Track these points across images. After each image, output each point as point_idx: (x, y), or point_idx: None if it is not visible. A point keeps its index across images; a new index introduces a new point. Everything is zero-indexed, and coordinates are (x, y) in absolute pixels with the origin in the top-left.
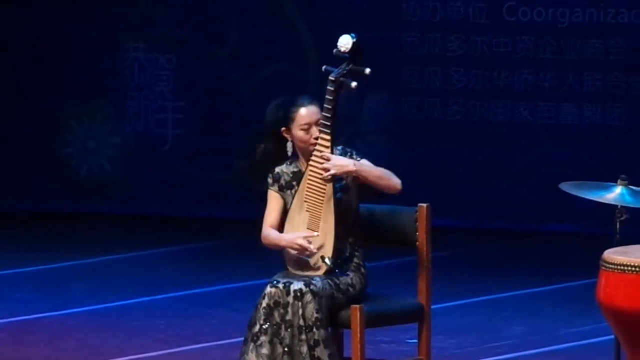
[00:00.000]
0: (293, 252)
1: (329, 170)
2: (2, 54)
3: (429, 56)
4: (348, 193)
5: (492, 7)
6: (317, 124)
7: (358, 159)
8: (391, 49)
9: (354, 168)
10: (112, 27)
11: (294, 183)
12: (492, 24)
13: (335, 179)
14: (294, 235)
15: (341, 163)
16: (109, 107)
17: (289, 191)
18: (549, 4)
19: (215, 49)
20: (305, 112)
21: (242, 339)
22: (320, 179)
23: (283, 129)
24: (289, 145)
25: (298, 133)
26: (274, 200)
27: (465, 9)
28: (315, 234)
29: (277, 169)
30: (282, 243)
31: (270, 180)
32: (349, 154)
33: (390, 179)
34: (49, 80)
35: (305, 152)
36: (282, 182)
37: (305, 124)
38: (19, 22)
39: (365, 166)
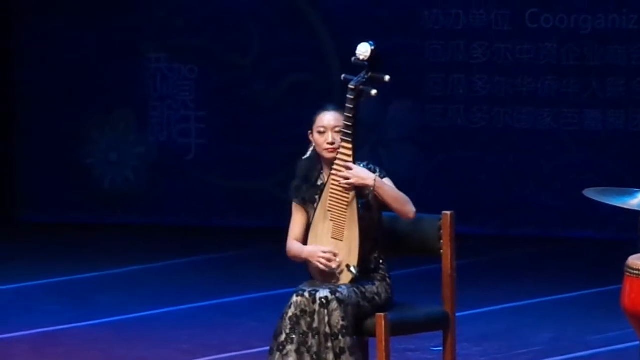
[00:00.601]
0: (316, 263)
1: (348, 179)
2: (24, 65)
3: (452, 64)
4: (370, 210)
5: (515, 14)
6: (334, 130)
7: (381, 176)
8: (414, 57)
9: (372, 183)
10: (134, 37)
11: (316, 196)
12: (515, 31)
13: (357, 195)
14: (316, 248)
15: (362, 175)
16: (132, 117)
17: (311, 205)
18: (572, 10)
19: (237, 58)
20: (324, 116)
21: (267, 348)
22: (342, 187)
23: (309, 132)
24: (310, 149)
25: (315, 136)
26: (298, 213)
27: (487, 17)
28: (336, 251)
29: (300, 182)
30: (304, 255)
31: (294, 193)
32: (373, 172)
33: (405, 204)
34: (72, 90)
35: (323, 159)
36: (306, 195)
37: (322, 126)
38: (41, 33)
39: (384, 184)
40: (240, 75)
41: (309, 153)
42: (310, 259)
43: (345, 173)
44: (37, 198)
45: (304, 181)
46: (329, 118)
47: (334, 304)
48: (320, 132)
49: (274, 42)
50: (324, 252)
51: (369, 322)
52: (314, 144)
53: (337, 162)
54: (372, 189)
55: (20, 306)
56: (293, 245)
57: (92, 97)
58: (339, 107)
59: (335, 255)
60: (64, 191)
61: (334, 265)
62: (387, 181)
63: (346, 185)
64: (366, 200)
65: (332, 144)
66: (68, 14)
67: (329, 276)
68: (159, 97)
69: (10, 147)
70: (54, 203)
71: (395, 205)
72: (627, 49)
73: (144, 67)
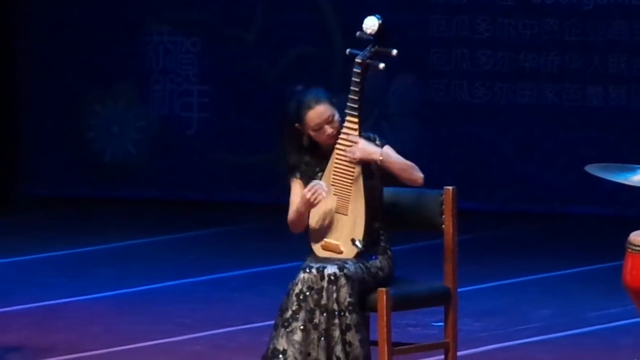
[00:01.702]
0: (314, 221)
1: (355, 154)
2: (26, 39)
3: (455, 39)
4: (372, 179)
5: None
6: (329, 121)
7: (379, 143)
8: (418, 32)
9: (380, 157)
10: (137, 10)
11: (317, 170)
12: (518, 6)
13: (362, 168)
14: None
15: (368, 149)
16: (134, 91)
17: (313, 180)
18: None
19: (240, 32)
20: (314, 114)
21: (268, 323)
22: (347, 161)
23: (297, 125)
24: (305, 139)
25: (312, 134)
26: (297, 189)
27: None
28: (321, 183)
29: (299, 159)
30: (299, 206)
31: (292, 171)
32: (373, 140)
33: (412, 172)
34: (73, 64)
35: (325, 147)
36: (307, 170)
37: (316, 124)
38: (43, 7)
39: (391, 157)
40: (243, 49)
41: (305, 144)
42: (306, 203)
43: (352, 147)
44: (38, 171)
45: (300, 158)
46: (319, 114)
47: (342, 280)
48: (316, 130)
49: (277, 15)
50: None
51: (370, 297)
52: (307, 135)
53: (341, 136)
54: (378, 163)
55: (21, 280)
56: (292, 209)
57: (94, 70)
58: (322, 92)
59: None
60: (65, 165)
61: (323, 193)
62: (387, 149)
63: (352, 159)
64: (369, 168)
65: (331, 134)
66: None
67: (330, 249)
68: (161, 70)
69: (11, 121)
70: (55, 176)
71: (403, 174)
72: (630, 24)
73: (146, 40)
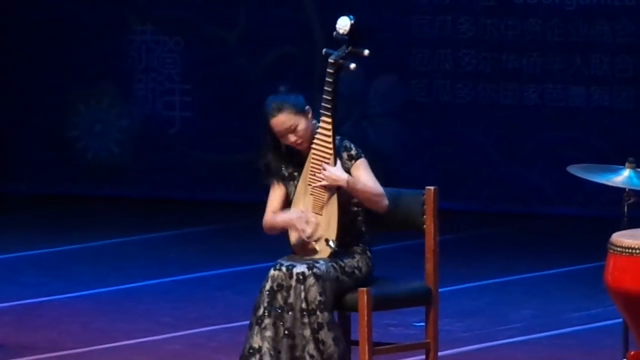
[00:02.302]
0: (294, 235)
1: (322, 180)
2: (9, 36)
3: (438, 39)
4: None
5: None
6: (291, 130)
7: (354, 154)
8: (400, 32)
9: (345, 185)
10: (120, 9)
11: (296, 174)
12: (501, 7)
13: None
14: (289, 214)
15: (334, 177)
16: (116, 89)
17: (291, 182)
18: None
19: (223, 31)
20: (276, 123)
21: (248, 322)
22: (321, 161)
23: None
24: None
25: (283, 138)
26: (276, 189)
27: None
28: (311, 214)
29: (277, 162)
30: (278, 220)
31: (270, 173)
32: (348, 150)
33: (377, 201)
34: (56, 62)
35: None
36: (284, 173)
37: (278, 132)
38: (26, 5)
39: (357, 185)
40: (226, 48)
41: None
42: (285, 225)
43: (320, 175)
44: (20, 169)
45: (278, 159)
46: (279, 123)
47: (311, 280)
48: (280, 137)
49: (259, 15)
50: (298, 218)
51: (350, 297)
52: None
53: (317, 136)
54: (344, 188)
55: (1, 278)
56: (269, 216)
57: (77, 68)
58: (285, 98)
59: (307, 222)
60: (47, 163)
61: (309, 230)
62: (361, 163)
63: (321, 185)
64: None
65: (295, 142)
66: None
67: (308, 249)
68: (144, 69)
69: None
70: (37, 175)
71: (366, 202)
72: (612, 25)
73: (129, 39)
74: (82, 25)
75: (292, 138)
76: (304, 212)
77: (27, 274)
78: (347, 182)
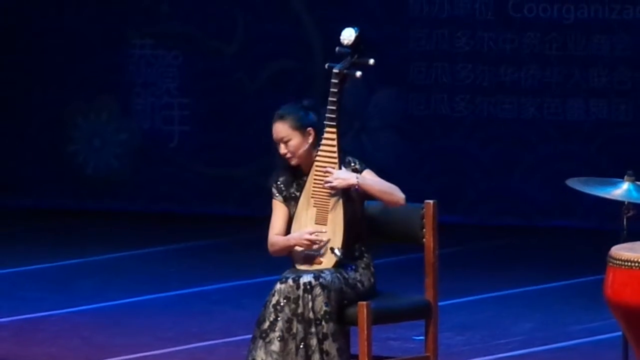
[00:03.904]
0: (301, 248)
1: (332, 183)
2: (8, 51)
3: (436, 52)
4: (352, 203)
5: (498, 3)
6: (283, 141)
7: (358, 168)
8: (398, 46)
9: (356, 182)
10: (118, 23)
11: (298, 194)
12: (498, 21)
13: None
14: (301, 231)
15: (344, 177)
16: (115, 104)
17: (293, 202)
18: (554, 0)
19: (222, 45)
20: (273, 128)
21: (249, 336)
22: (325, 172)
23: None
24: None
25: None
26: (279, 210)
27: (471, 5)
28: (324, 230)
29: (282, 180)
30: (292, 242)
31: (274, 191)
32: (352, 163)
33: (393, 194)
34: (55, 77)
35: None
36: (287, 194)
37: (274, 139)
38: (26, 19)
39: (368, 180)
40: (225, 63)
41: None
42: (299, 244)
43: (328, 178)
44: (19, 184)
45: (287, 179)
46: (274, 130)
47: (318, 289)
48: (276, 143)
49: (258, 29)
50: (310, 234)
51: (351, 310)
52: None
53: (321, 147)
54: (356, 187)
55: (1, 292)
56: (277, 239)
57: (76, 83)
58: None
59: (319, 235)
60: (47, 177)
61: (316, 246)
62: (367, 174)
63: (331, 189)
64: (349, 195)
65: (285, 154)
66: None
67: (312, 260)
68: (142, 83)
69: None
70: (36, 189)
71: (384, 197)
72: (610, 39)
73: (128, 53)
74: (81, 39)
75: (282, 149)
76: (314, 231)
77: (26, 288)
78: (358, 178)
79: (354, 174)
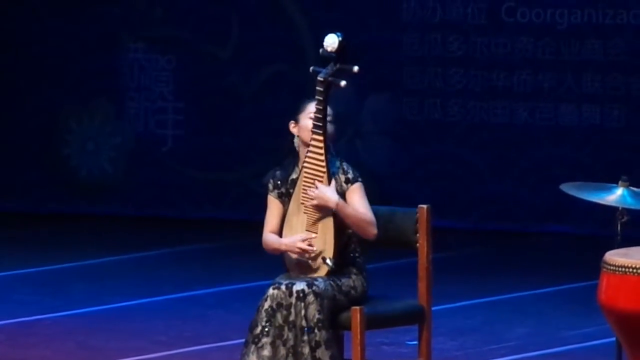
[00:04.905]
0: (294, 255)
1: (313, 199)
2: (1, 54)
3: (428, 57)
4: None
5: (491, 8)
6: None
7: (350, 177)
8: (391, 50)
9: (334, 207)
10: (112, 27)
11: (291, 191)
12: (491, 25)
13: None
14: (293, 238)
15: (325, 198)
16: (109, 107)
17: (287, 198)
18: (548, 5)
19: (216, 49)
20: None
21: (242, 340)
22: (313, 179)
23: (292, 123)
24: (296, 140)
25: (306, 121)
26: (274, 206)
27: (464, 10)
28: (313, 235)
29: (278, 175)
30: (282, 247)
31: (270, 186)
32: (345, 172)
33: (364, 228)
34: (49, 80)
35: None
36: (283, 189)
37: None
38: (19, 22)
39: (346, 209)
40: (219, 67)
41: (296, 146)
42: (290, 250)
43: (312, 193)
44: (13, 187)
45: (282, 174)
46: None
47: (311, 297)
48: (311, 118)
49: (252, 33)
50: (302, 241)
51: (344, 315)
52: (297, 135)
53: (308, 154)
54: (333, 210)
55: None
56: (270, 238)
57: (70, 86)
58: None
59: (311, 245)
60: (40, 181)
61: (313, 249)
62: (357, 188)
63: (311, 203)
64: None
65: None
66: (46, 2)
67: (305, 268)
68: (136, 87)
69: None
70: (30, 193)
71: (354, 228)
72: (603, 44)
73: (122, 57)
74: (75, 43)
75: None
76: (306, 238)
77: (20, 292)
78: (337, 204)
79: (336, 198)
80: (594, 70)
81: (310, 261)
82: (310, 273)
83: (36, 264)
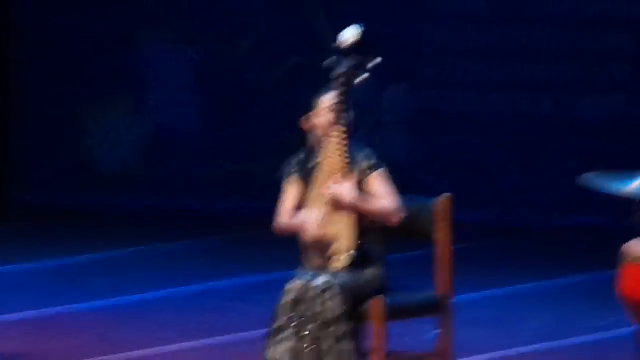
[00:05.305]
0: (309, 237)
1: (330, 192)
2: (22, 48)
3: (448, 47)
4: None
5: None
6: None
7: (373, 163)
8: (411, 41)
9: (351, 205)
10: (132, 20)
11: (310, 179)
12: (512, 15)
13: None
14: (305, 216)
15: (342, 193)
16: (129, 100)
17: (305, 186)
18: None
19: (236, 42)
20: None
21: (263, 332)
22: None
23: (305, 118)
24: (311, 136)
25: (321, 116)
26: (290, 191)
27: (485, 0)
28: (334, 230)
29: (297, 159)
30: (294, 227)
31: (287, 173)
32: (369, 159)
33: (388, 218)
34: (69, 73)
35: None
36: (301, 175)
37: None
38: (39, 16)
39: (365, 204)
40: (239, 59)
41: (311, 139)
42: (302, 223)
43: (331, 189)
44: (34, 180)
45: (300, 162)
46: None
47: (332, 291)
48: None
49: (272, 25)
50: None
51: (364, 306)
52: (312, 131)
53: (329, 147)
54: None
55: (15, 288)
56: (284, 218)
57: (91, 79)
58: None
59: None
60: (60, 173)
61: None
62: (380, 175)
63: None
64: (358, 189)
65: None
66: None
67: (325, 260)
68: (157, 79)
69: (7, 129)
70: (50, 185)
71: (376, 219)
72: (628, 34)
73: (142, 50)
74: (95, 36)
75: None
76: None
77: (41, 284)
78: (355, 202)
79: (352, 196)
80: (616, 60)
81: (325, 243)
82: (330, 264)
83: (57, 256)
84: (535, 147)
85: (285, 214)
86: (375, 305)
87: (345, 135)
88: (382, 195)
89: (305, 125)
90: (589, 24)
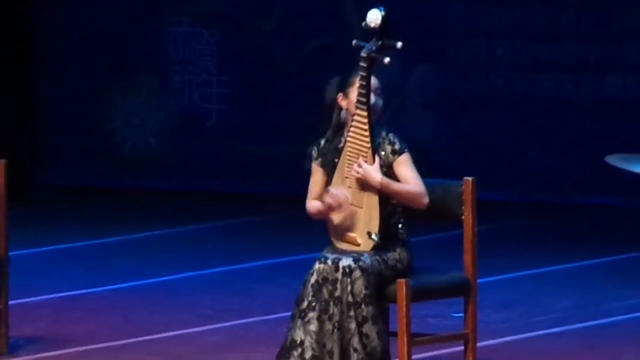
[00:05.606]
0: (335, 219)
1: (357, 172)
2: (46, 29)
3: (474, 29)
4: (389, 177)
5: None
6: (375, 93)
7: (397, 147)
8: (436, 22)
9: (377, 186)
10: (156, 1)
11: (336, 160)
12: None
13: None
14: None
15: (370, 178)
16: (154, 81)
17: (331, 168)
18: None
19: (260, 22)
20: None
21: (288, 314)
22: (358, 154)
23: (340, 95)
24: (343, 113)
25: (355, 95)
26: (317, 174)
27: None
28: (359, 212)
29: (322, 143)
30: (321, 210)
31: (314, 154)
32: (392, 143)
33: (415, 201)
34: (93, 55)
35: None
36: (328, 157)
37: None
38: None
39: (391, 187)
40: (263, 40)
41: (343, 118)
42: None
43: (356, 171)
44: (58, 162)
45: (327, 143)
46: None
47: (357, 273)
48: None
49: (296, 5)
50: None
51: (390, 288)
52: (345, 108)
53: (352, 129)
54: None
55: (40, 270)
56: (313, 202)
57: (114, 61)
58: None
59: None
60: (85, 155)
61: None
62: (405, 159)
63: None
64: (387, 174)
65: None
66: None
67: (346, 236)
68: (180, 61)
69: (32, 111)
70: (75, 167)
71: (404, 202)
72: None
73: (166, 31)
74: (120, 17)
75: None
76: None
77: (66, 266)
78: (381, 184)
79: (379, 178)
80: (638, 40)
81: (351, 225)
82: (354, 245)
83: (81, 239)
84: (559, 128)
85: (314, 196)
86: (400, 287)
87: (367, 119)
88: (407, 179)
89: (341, 101)
90: (611, 4)
